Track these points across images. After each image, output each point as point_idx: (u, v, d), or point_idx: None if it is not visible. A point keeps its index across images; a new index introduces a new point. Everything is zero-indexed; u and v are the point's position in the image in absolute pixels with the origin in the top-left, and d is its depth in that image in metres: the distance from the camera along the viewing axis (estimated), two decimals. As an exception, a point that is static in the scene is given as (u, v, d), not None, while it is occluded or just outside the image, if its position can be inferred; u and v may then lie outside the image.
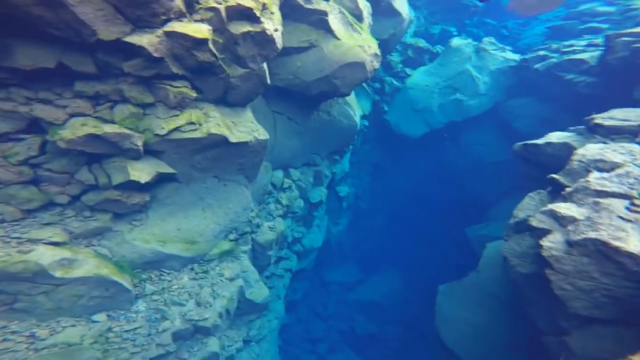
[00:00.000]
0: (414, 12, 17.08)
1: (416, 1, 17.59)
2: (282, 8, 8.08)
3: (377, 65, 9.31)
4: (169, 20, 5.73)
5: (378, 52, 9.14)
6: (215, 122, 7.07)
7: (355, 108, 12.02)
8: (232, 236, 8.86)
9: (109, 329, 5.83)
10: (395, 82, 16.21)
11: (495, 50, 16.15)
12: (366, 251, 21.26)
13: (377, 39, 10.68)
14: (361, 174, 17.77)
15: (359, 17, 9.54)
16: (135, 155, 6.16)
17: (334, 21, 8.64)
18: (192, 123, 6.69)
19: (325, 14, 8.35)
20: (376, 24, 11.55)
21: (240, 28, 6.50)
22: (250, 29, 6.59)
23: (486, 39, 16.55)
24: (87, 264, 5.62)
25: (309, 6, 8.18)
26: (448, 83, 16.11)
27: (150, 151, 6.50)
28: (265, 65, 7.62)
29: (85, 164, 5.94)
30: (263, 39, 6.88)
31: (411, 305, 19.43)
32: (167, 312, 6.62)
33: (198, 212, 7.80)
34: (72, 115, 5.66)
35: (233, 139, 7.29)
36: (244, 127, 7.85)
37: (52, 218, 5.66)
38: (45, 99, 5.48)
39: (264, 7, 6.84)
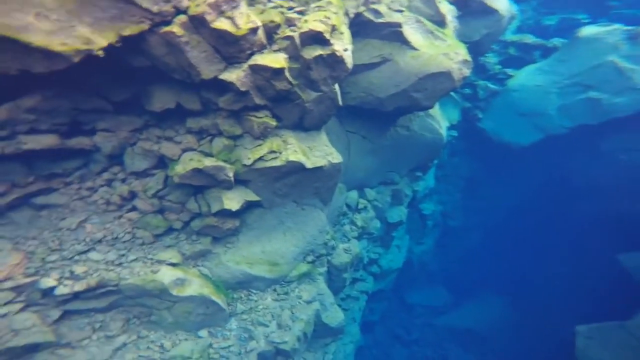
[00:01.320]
0: (517, 6, 14.52)
1: (520, -7, 14.95)
2: (352, 26, 7.91)
3: (467, 72, 8.13)
4: (252, 53, 6.21)
5: (468, 57, 7.98)
6: (293, 149, 7.35)
7: (440, 119, 10.81)
8: (309, 258, 9.02)
9: (210, 345, 6.62)
10: (491, 85, 13.98)
11: (671, 32, 12.10)
12: (457, 273, 18.94)
13: (465, 41, 9.40)
14: (449, 189, 15.91)
15: (440, 23, 8.57)
16: (228, 185, 6.91)
17: (410, 31, 7.98)
18: (273, 152, 7.11)
19: (398, 25, 7.79)
20: (464, 26, 10.19)
21: (312, 52, 6.58)
22: (322, 52, 6.60)
23: None
24: (194, 284, 6.55)
25: (380, 20, 7.79)
26: (574, 80, 13.01)
27: (239, 180, 7.20)
28: (337, 86, 7.57)
29: (192, 195, 6.98)
30: (333, 61, 6.83)
31: (518, 337, 16.30)
32: (254, 332, 7.10)
33: (279, 235, 8.22)
34: (184, 150, 6.66)
35: (309, 164, 7.43)
36: (319, 152, 7.93)
37: (171, 241, 6.83)
38: (169, 137, 6.64)
39: (334, 28, 6.80)
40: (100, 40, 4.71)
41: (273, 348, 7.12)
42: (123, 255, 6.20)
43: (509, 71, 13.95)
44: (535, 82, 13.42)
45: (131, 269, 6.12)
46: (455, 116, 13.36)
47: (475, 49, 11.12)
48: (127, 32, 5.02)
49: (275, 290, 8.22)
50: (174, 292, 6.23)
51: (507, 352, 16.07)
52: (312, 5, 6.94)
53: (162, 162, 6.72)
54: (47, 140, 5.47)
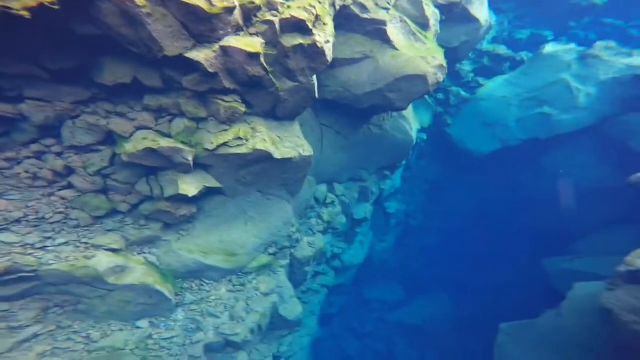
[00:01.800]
0: (496, 17, 15.03)
1: (500, 4, 15.41)
2: (337, 18, 7.65)
3: (441, 77, 8.26)
4: (226, 34, 5.75)
5: (444, 63, 8.10)
6: (261, 137, 7.01)
7: (412, 122, 11.00)
8: (271, 250, 8.82)
9: (150, 336, 6.16)
10: (463, 92, 14.47)
11: (614, 56, 12.98)
12: (413, 271, 19.84)
13: (444, 47, 9.56)
14: (414, 190, 16.45)
15: (424, 26, 8.58)
16: (185, 169, 6.42)
17: (393, 31, 7.89)
18: (240, 138, 6.73)
19: (383, 23, 7.66)
20: (445, 31, 10.34)
21: (291, 41, 6.28)
22: (302, 41, 6.33)
23: (601, 43, 13.40)
24: (136, 272, 6.01)
25: (365, 15, 7.59)
26: (533, 95, 13.68)
27: (200, 165, 6.72)
28: (314, 78, 7.33)
29: (144, 176, 6.37)
30: (313, 52, 6.58)
31: (460, 335, 17.59)
32: (202, 324, 6.79)
33: (241, 225, 7.90)
34: (138, 129, 6.06)
35: (277, 155, 7.16)
36: (290, 143, 7.66)
37: (114, 225, 6.18)
38: (121, 113, 5.97)
39: (317, 18, 6.51)
40: None
41: (222, 339, 6.89)
42: (49, 238, 5.46)
43: (481, 80, 14.49)
44: (501, 93, 14.09)
45: (58, 253, 5.43)
46: (427, 120, 13.71)
47: (453, 55, 11.39)
48: (69, -6, 4.30)
49: (230, 281, 7.93)
50: (110, 280, 5.69)
51: (446, 347, 17.22)
52: (299, -10, 6.53)
53: (111, 139, 6.02)
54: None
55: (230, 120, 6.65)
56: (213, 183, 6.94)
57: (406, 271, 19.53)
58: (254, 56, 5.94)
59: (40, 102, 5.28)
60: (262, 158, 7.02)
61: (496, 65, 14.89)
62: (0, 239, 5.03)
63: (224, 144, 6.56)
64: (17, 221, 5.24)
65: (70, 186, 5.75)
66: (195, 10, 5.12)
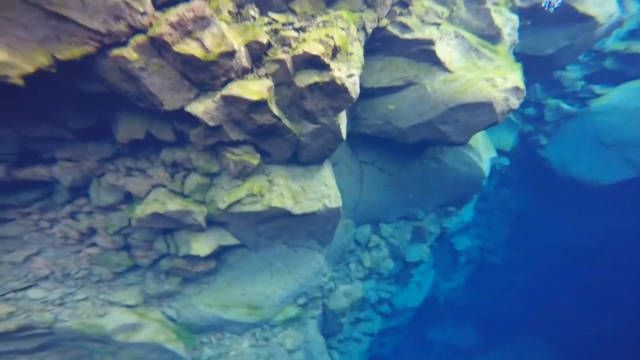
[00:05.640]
0: (639, 4, 10.58)
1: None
2: (372, 41, 6.24)
3: (516, 103, 5.97)
4: (230, 80, 5.09)
5: (520, 84, 5.78)
6: (278, 191, 6.25)
7: (481, 151, 8.58)
8: (300, 301, 8.08)
9: None
10: (565, 105, 10.67)
11: None
12: (492, 312, 16.58)
13: (533, 55, 6.97)
14: (493, 223, 13.39)
15: (493, 38, 6.27)
16: (198, 228, 6.16)
17: (445, 49, 5.97)
18: (253, 195, 6.09)
19: (430, 42, 5.84)
20: (533, 37, 7.56)
21: (306, 80, 5.23)
22: (318, 79, 5.23)
23: None
24: (148, 329, 6.05)
25: (406, 36, 5.92)
26: None
27: (216, 222, 6.39)
28: (341, 116, 6.16)
29: (162, 234, 6.36)
30: (332, 89, 5.40)
31: None
32: (216, 385, 6.50)
33: (266, 277, 7.37)
34: (154, 186, 5.94)
35: (297, 210, 6.30)
36: (314, 193, 6.68)
37: (135, 279, 6.35)
38: (141, 168, 5.96)
39: (336, 50, 5.30)
40: (24, 65, 3.86)
41: (236, 405, 6.48)
42: (70, 293, 5.74)
43: (597, 88, 10.38)
44: (636, 103, 9.88)
45: (75, 309, 5.68)
46: (510, 141, 10.67)
47: (547, 63, 8.38)
48: (65, 55, 4.08)
49: (254, 334, 7.50)
50: (119, 338, 5.79)
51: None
52: (318, 19, 5.51)
53: (131, 197, 6.16)
54: (-11, 172, 4.97)
55: (242, 174, 6.07)
56: (230, 240, 6.56)
57: (482, 313, 16.46)
58: (259, 104, 5.14)
59: (68, 163, 5.51)
60: (280, 214, 6.27)
61: (629, 67, 10.31)
62: (28, 295, 5.55)
63: (237, 202, 6.03)
64: (46, 278, 5.71)
65: (95, 244, 6.09)
66: (190, 59, 4.56)
